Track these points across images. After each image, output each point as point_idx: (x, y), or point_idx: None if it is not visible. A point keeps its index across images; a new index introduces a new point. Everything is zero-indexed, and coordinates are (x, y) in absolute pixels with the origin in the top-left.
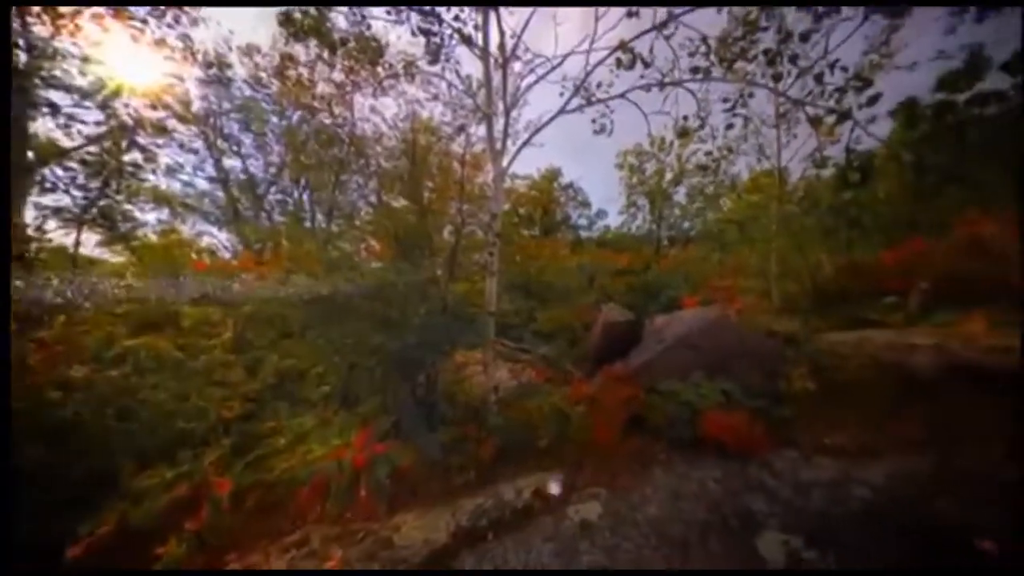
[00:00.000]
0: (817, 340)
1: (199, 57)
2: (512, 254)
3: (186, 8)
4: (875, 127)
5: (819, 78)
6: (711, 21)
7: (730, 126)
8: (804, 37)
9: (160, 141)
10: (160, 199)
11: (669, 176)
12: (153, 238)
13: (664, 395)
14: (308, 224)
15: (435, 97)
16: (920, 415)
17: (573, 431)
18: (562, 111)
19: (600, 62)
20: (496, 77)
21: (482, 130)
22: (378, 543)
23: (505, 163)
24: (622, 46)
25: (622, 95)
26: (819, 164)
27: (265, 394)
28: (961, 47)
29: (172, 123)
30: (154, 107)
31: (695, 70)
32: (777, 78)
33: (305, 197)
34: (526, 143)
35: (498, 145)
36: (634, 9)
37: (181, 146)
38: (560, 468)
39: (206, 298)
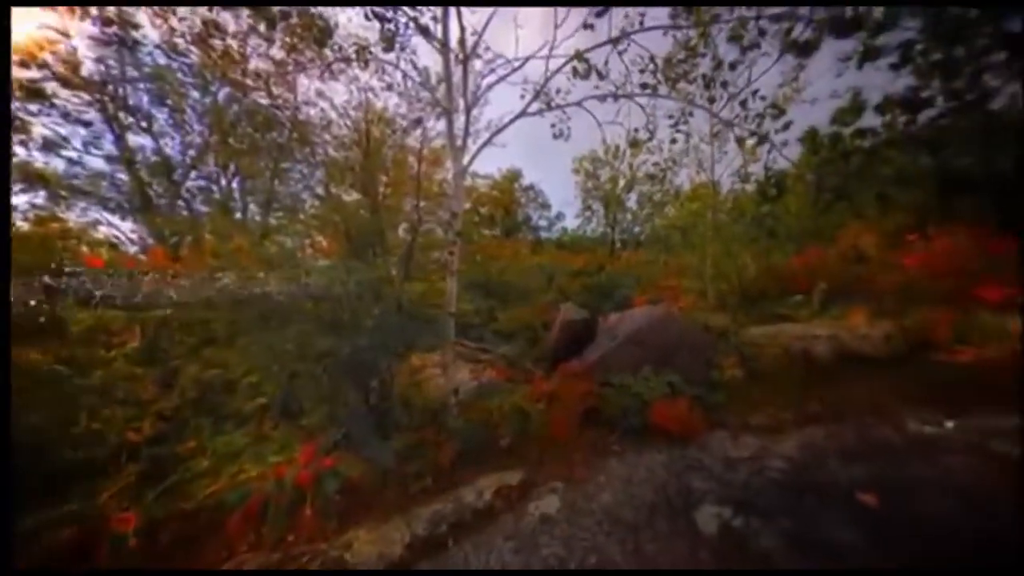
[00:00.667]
0: (743, 333)
1: (92, 11)
2: (473, 253)
3: None
4: (788, 150)
5: (744, 104)
6: (659, 43)
7: (674, 141)
8: (732, 66)
9: (34, 107)
10: (33, 178)
11: (622, 183)
12: (24, 226)
13: (617, 388)
14: (239, 216)
15: (390, 87)
16: (819, 394)
17: (534, 428)
18: (523, 113)
19: (558, 70)
20: (456, 73)
21: (440, 125)
22: (328, 563)
23: (466, 161)
24: (578, 56)
25: (578, 103)
26: (744, 179)
27: (184, 411)
28: (847, 88)
29: (53, 87)
30: (25, 64)
31: (644, 86)
32: (712, 100)
33: (235, 185)
34: (487, 142)
35: (459, 142)
36: (590, 21)
37: (66, 116)
38: (521, 466)
39: (104, 300)
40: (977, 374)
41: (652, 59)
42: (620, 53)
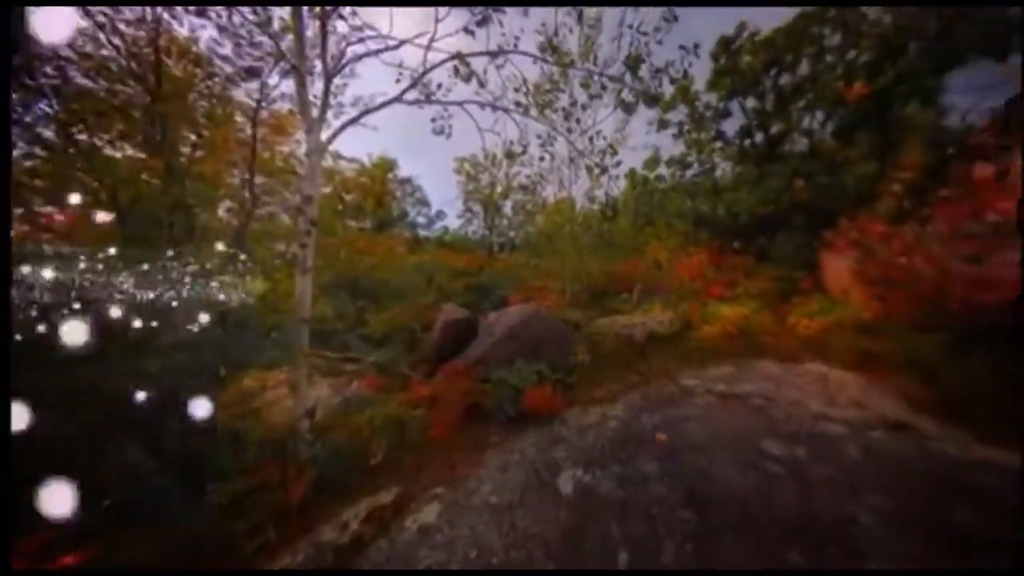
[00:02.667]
0: (591, 325)
1: None
2: (335, 248)
3: None
4: (619, 183)
5: (591, 140)
6: (532, 69)
7: (542, 158)
8: (584, 107)
9: None
10: None
11: (499, 189)
12: None
13: (495, 382)
14: None
15: (203, 14)
16: (636, 366)
17: (412, 436)
18: (399, 99)
19: (439, 64)
20: (311, 27)
21: (287, 85)
22: None
23: (325, 137)
24: (459, 57)
25: (460, 104)
26: (591, 200)
27: None
28: (652, 145)
29: None
30: None
31: (518, 104)
32: (569, 131)
33: None
34: (355, 120)
35: (314, 112)
36: (472, 28)
37: None
38: (397, 481)
39: None
40: (713, 343)
41: (525, 82)
42: (497, 67)
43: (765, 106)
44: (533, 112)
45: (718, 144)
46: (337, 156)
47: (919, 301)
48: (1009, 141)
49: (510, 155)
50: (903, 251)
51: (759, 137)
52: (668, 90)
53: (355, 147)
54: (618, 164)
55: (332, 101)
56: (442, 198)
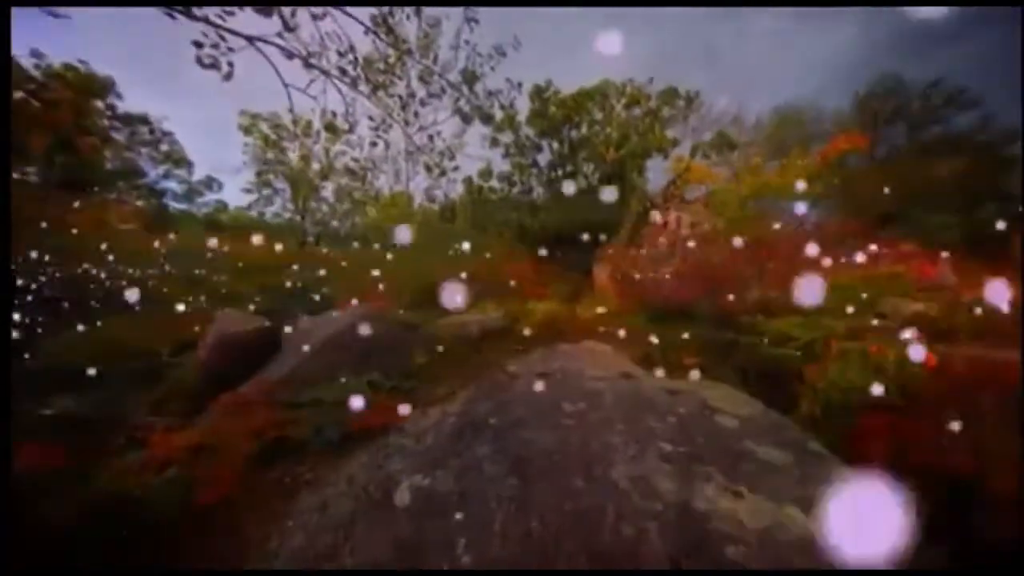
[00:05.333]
0: (431, 325)
1: None
2: None
3: None
4: (459, 187)
5: (431, 138)
6: (362, 40)
7: (375, 144)
8: (423, 102)
9: None
10: None
11: (317, 167)
12: None
13: (310, 404)
14: None
15: None
16: (474, 360)
17: (158, 511)
18: None
19: None
20: None
21: None
22: None
23: None
24: None
25: (249, 39)
26: (431, 199)
27: None
28: (486, 158)
29: None
30: None
31: (343, 72)
32: (407, 123)
33: None
34: None
35: None
36: None
37: None
38: None
39: None
40: (530, 335)
41: (352, 49)
42: (315, 18)
43: (563, 150)
44: (363, 88)
45: (534, 171)
46: None
47: (639, 296)
48: (669, 203)
49: (331, 128)
50: (631, 264)
51: (559, 172)
52: (499, 114)
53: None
54: (456, 168)
55: None
56: (216, 161)
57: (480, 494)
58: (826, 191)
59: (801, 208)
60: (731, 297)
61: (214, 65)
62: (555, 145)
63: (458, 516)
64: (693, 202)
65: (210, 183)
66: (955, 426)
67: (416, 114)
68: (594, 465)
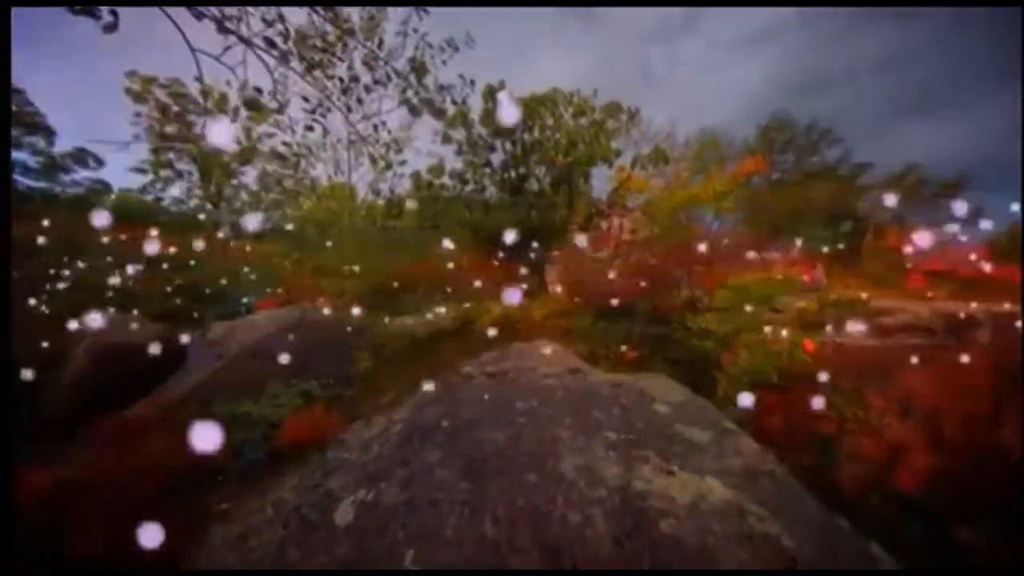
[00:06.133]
0: (378, 327)
1: None
2: None
3: None
4: (406, 181)
5: (376, 128)
6: (296, 12)
7: (310, 128)
8: (368, 89)
9: None
10: None
11: (235, 148)
12: None
13: (236, 419)
14: None
15: None
16: (424, 363)
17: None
18: None
19: None
20: None
21: None
22: None
23: None
24: None
25: None
26: (376, 193)
27: None
28: (436, 154)
29: None
30: None
31: (271, 43)
32: (349, 109)
33: None
34: None
35: None
36: None
37: None
38: None
39: None
40: (485, 335)
41: (281, 18)
42: None
43: (516, 151)
44: (297, 66)
45: (488, 170)
46: None
47: (586, 295)
48: (612, 210)
49: (254, 105)
50: (580, 266)
51: (513, 173)
52: (451, 109)
53: None
54: (404, 163)
55: None
56: (88, 128)
57: (430, 501)
58: (736, 206)
59: (717, 219)
60: (664, 296)
61: (91, 13)
62: (508, 146)
63: (406, 527)
64: (633, 210)
65: (82, 157)
66: (822, 399)
67: (359, 101)
68: (545, 459)
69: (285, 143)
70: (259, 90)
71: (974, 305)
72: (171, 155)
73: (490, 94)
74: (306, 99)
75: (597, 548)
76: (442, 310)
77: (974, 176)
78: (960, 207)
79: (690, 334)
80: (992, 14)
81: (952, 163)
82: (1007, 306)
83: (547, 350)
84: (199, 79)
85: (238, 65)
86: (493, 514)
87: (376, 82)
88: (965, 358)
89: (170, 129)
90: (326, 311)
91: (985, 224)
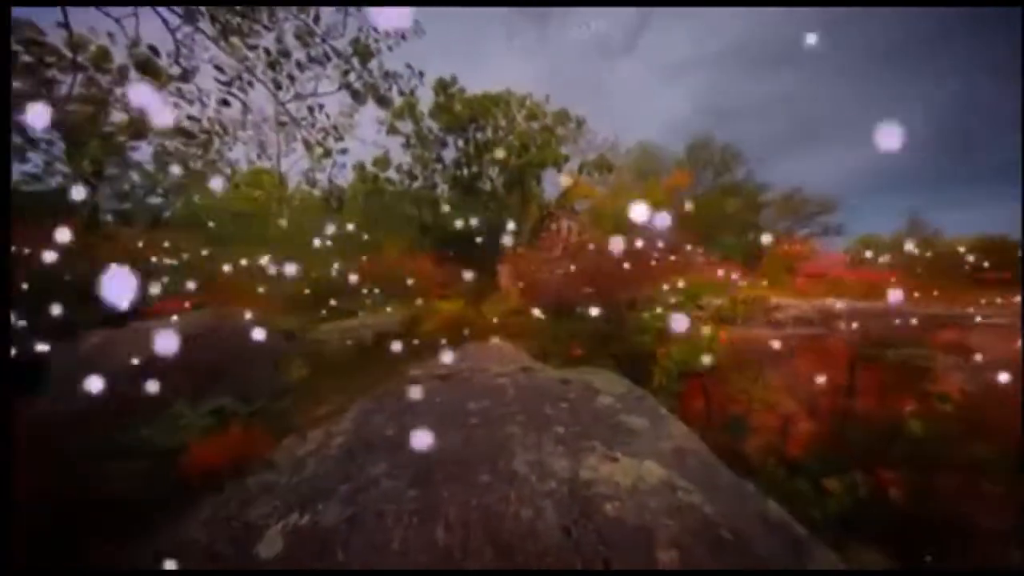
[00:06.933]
0: (314, 331)
1: None
2: None
3: None
4: (348, 172)
5: (311, 111)
6: None
7: (226, 102)
8: (300, 66)
9: None
10: None
11: (120, 118)
12: None
13: (130, 449)
14: None
15: None
16: (367, 369)
17: None
18: None
19: None
20: None
21: None
22: None
23: None
24: None
25: None
26: (311, 183)
27: None
28: (382, 146)
29: None
30: None
31: None
32: (278, 86)
33: None
34: None
35: None
36: None
37: None
38: None
39: None
40: (436, 334)
41: None
42: None
43: (469, 150)
44: (208, 28)
45: (439, 167)
46: None
47: (538, 295)
48: (561, 212)
49: (147, 67)
50: (531, 266)
51: (465, 171)
52: (399, 99)
53: None
54: (345, 151)
55: None
56: None
57: (377, 515)
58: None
59: (653, 225)
60: (609, 295)
61: None
62: (460, 143)
63: (348, 547)
64: (580, 213)
65: None
66: (740, 382)
67: (291, 78)
68: (498, 458)
69: (192, 116)
70: (154, 50)
71: (839, 301)
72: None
73: (442, 88)
74: (220, 68)
75: (547, 539)
76: (389, 310)
77: (842, 198)
78: (832, 222)
79: (630, 331)
80: (862, 60)
81: (828, 185)
82: (862, 303)
83: (500, 349)
84: (64, 25)
85: (127, 17)
86: (445, 520)
87: (312, 60)
88: (833, 342)
89: (18, 84)
90: (248, 315)
91: (847, 237)
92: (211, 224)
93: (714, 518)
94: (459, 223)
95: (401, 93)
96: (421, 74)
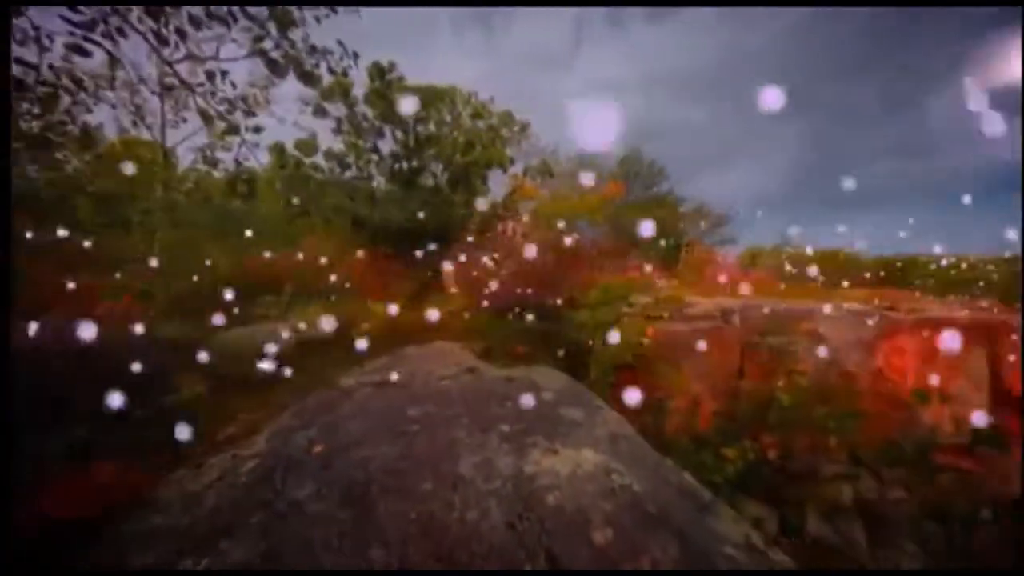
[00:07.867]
0: (212, 341)
1: None
2: None
3: None
4: (260, 152)
5: (210, 77)
6: None
7: (80, 49)
8: (196, 21)
9: None
10: None
11: None
12: None
13: None
14: None
15: None
16: (285, 382)
17: None
18: None
19: None
20: None
21: None
22: None
23: None
24: None
25: None
26: (210, 163)
27: None
28: (307, 127)
29: None
30: None
31: None
32: (162, 41)
33: None
34: None
35: None
36: None
37: None
38: None
39: None
40: (371, 340)
41: None
42: None
43: (409, 142)
44: None
45: (375, 157)
46: None
47: (482, 295)
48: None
49: None
50: (476, 266)
51: (405, 165)
52: (328, 77)
53: None
54: (258, 130)
55: None
56: None
57: (301, 544)
58: (603, 220)
59: (587, 230)
60: (550, 295)
61: None
62: (399, 135)
63: None
64: (524, 215)
65: None
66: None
67: (182, 34)
68: (441, 464)
69: (21, 61)
70: None
71: (732, 300)
72: None
73: (378, 73)
74: (71, 5)
75: (491, 537)
76: (316, 315)
77: (736, 213)
78: (727, 233)
79: (570, 328)
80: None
81: (727, 202)
82: (751, 301)
83: (444, 351)
84: None
85: None
86: (381, 537)
87: (211, 16)
88: (728, 333)
89: None
90: (120, 321)
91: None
92: (53, 204)
93: (642, 496)
94: (399, 218)
95: (331, 72)
96: (355, 55)
